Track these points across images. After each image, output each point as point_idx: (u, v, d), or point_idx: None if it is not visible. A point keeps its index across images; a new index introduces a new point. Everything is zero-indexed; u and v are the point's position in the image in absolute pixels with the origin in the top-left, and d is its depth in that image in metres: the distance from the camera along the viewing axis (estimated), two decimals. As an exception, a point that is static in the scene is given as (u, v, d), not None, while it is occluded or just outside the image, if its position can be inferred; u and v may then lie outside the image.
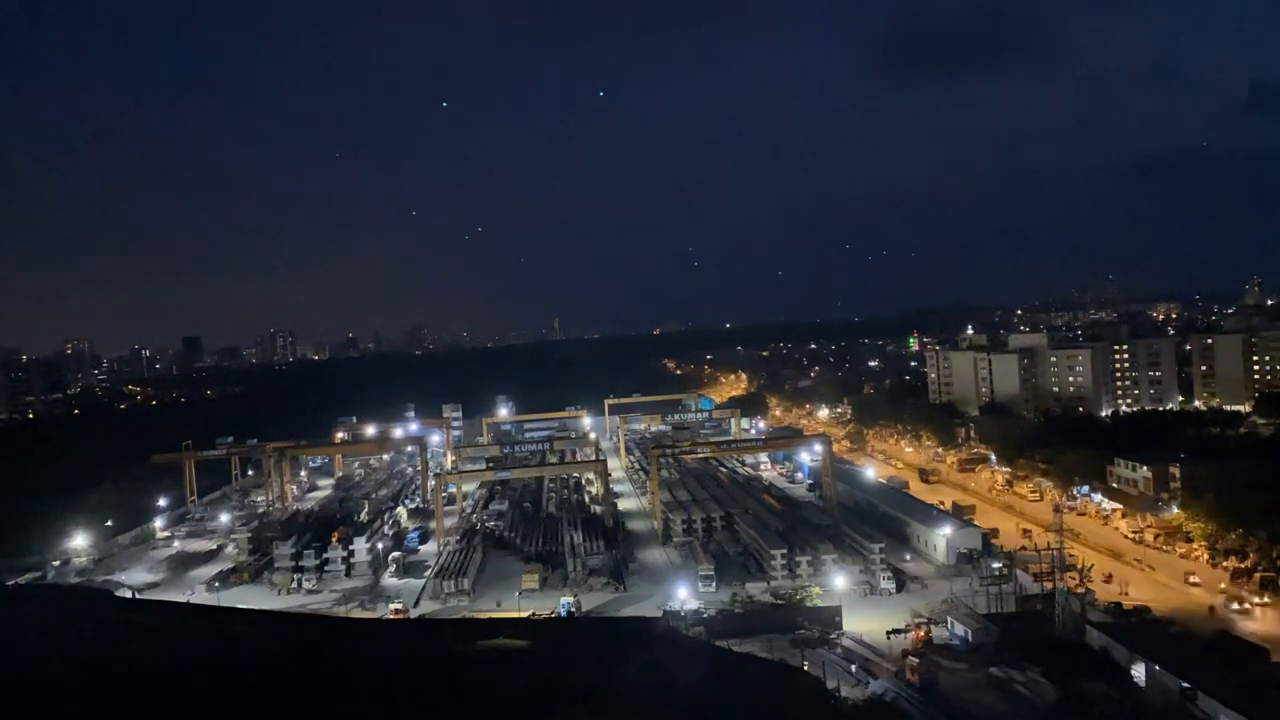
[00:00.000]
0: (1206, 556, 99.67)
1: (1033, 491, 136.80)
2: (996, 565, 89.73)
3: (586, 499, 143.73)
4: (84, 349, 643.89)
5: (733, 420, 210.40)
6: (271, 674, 51.37)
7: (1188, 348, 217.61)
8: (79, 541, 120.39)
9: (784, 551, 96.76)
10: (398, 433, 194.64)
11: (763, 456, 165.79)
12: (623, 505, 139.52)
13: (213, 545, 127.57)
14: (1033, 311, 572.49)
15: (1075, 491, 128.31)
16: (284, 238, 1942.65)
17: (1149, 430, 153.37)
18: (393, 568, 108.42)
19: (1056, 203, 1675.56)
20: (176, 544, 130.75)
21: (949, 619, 77.34)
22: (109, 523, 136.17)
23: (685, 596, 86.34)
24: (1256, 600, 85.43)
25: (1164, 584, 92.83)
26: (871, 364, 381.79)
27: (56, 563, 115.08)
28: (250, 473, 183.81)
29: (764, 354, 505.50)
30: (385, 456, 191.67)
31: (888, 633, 75.47)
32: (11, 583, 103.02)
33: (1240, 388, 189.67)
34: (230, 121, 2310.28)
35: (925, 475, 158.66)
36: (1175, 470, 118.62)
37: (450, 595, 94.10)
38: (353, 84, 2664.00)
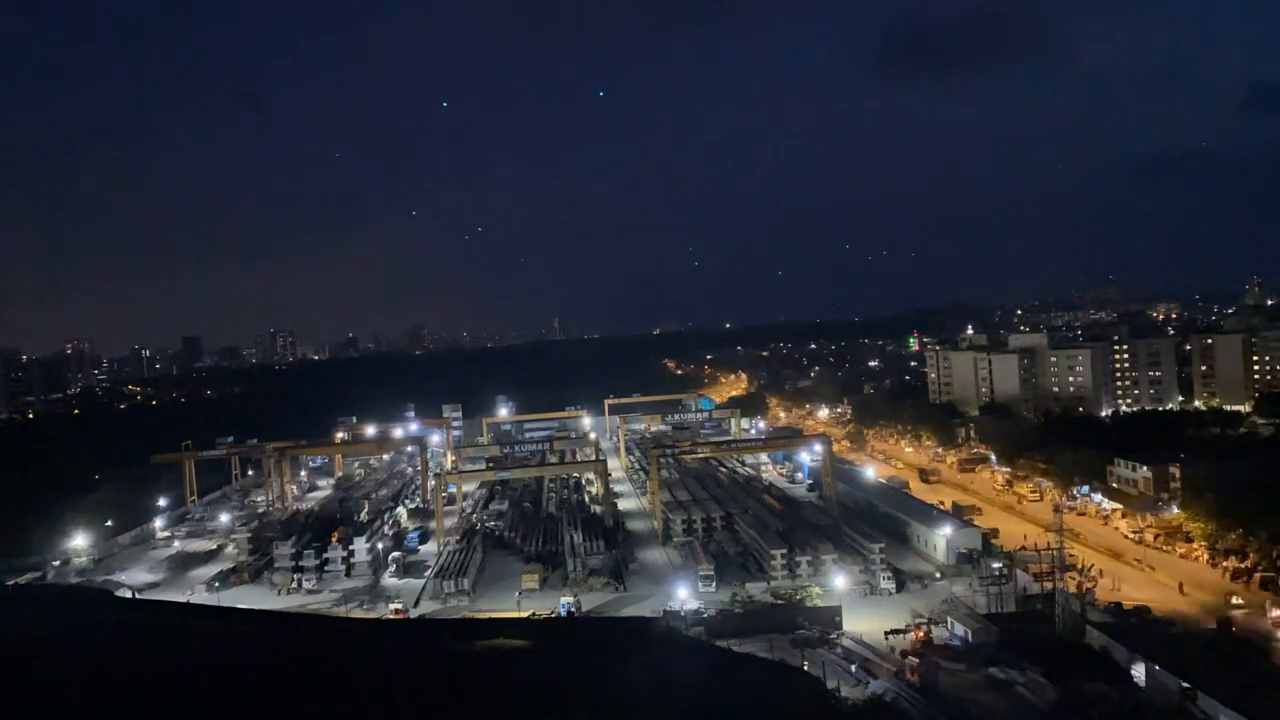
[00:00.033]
0: (1206, 556, 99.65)
1: (1033, 491, 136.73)
2: (996, 565, 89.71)
3: (586, 499, 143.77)
4: (84, 349, 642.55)
5: (733, 420, 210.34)
6: (271, 674, 51.26)
7: (1188, 348, 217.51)
8: (79, 541, 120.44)
9: (784, 551, 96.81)
10: (398, 433, 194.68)
11: (763, 456, 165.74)
12: (623, 505, 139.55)
13: (213, 545, 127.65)
14: (1033, 311, 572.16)
15: (1075, 491, 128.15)
16: (284, 237, 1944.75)
17: (1149, 430, 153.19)
18: (393, 568, 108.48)
19: (1056, 203, 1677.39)
20: (176, 544, 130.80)
21: (949, 619, 77.39)
22: (109, 523, 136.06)
23: (685, 596, 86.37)
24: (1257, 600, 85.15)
25: (1164, 584, 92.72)
26: (871, 364, 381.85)
27: (56, 563, 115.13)
28: (250, 473, 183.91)
29: (764, 354, 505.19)
30: (385, 456, 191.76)
31: (886, 633, 75.57)
32: (11, 583, 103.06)
33: (1240, 388, 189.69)
34: (230, 121, 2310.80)
35: (925, 475, 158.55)
36: (1175, 470, 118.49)
37: (450, 595, 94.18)
38: (353, 84, 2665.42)
